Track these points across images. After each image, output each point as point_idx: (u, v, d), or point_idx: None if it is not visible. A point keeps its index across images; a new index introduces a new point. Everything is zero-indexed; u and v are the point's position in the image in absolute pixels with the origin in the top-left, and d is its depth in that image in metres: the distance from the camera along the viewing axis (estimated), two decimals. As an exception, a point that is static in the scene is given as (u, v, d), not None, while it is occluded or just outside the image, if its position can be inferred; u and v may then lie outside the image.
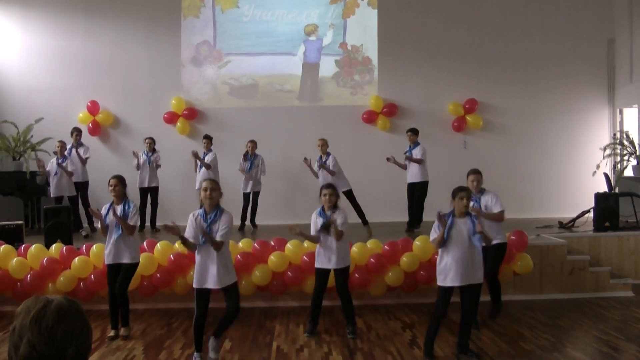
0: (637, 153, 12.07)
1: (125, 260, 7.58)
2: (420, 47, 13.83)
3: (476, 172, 8.00)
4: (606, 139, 13.45)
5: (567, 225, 11.29)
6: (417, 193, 11.44)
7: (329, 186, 7.64)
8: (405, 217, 11.80)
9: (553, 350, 6.99)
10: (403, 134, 13.48)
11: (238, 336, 7.67)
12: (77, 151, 12.00)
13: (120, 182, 7.65)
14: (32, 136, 12.56)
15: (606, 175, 12.11)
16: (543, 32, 13.85)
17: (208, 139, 12.19)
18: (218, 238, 6.34)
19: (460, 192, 6.56)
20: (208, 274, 6.38)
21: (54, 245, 9.10)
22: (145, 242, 9.23)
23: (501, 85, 13.81)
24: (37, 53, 13.70)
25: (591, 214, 11.10)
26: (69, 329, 1.92)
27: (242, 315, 7.73)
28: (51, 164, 11.55)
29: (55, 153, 11.61)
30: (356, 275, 8.77)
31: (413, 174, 11.47)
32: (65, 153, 11.71)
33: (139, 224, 8.06)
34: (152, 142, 12.24)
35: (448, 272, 6.51)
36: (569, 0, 13.96)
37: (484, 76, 13.78)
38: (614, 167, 12.79)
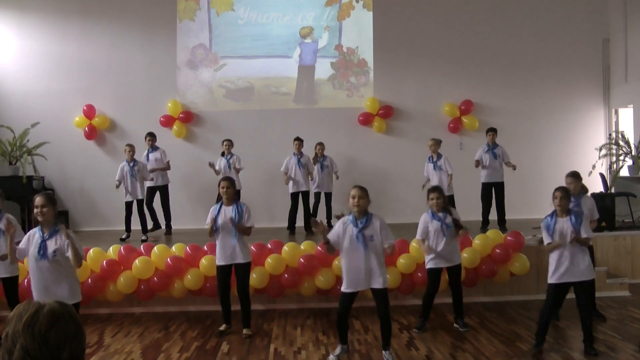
0: (633, 153, 12.10)
1: (240, 260, 7.66)
2: (416, 48, 13.85)
3: (572, 175, 8.24)
4: (602, 139, 13.48)
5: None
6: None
7: (436, 189, 7.80)
8: (402, 219, 11.82)
9: (550, 350, 7.00)
10: (399, 136, 13.57)
11: (236, 339, 7.67)
12: (149, 156, 11.99)
13: (231, 184, 7.72)
14: (28, 140, 12.57)
15: (602, 175, 12.14)
16: (538, 32, 13.88)
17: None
18: (387, 245, 6.51)
19: (554, 192, 6.91)
20: (371, 276, 6.43)
21: (50, 249, 9.09)
22: (142, 246, 9.25)
23: (497, 86, 13.84)
24: (33, 57, 13.70)
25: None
26: (62, 333, 1.93)
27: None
28: (121, 169, 11.26)
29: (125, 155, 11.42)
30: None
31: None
32: (136, 158, 11.47)
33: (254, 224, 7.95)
34: (230, 144, 12.11)
35: (552, 268, 6.85)
36: (563, 1, 14.00)
37: (479, 77, 13.80)
38: (610, 167, 12.81)
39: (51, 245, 6.06)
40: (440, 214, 7.62)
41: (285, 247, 9.03)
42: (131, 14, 13.79)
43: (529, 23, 13.89)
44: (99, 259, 8.82)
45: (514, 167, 11.42)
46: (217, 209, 7.68)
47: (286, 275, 8.83)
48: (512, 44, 13.88)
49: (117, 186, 11.23)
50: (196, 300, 9.24)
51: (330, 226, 11.70)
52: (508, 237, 9.31)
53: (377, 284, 6.44)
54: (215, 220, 7.61)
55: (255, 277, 8.75)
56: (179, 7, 13.89)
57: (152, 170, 11.72)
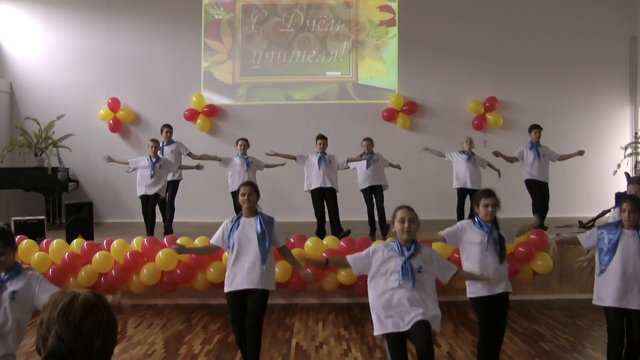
0: (659, 152, 11.98)
1: (258, 285, 5.90)
2: (441, 45, 13.79)
3: (636, 182, 6.86)
4: (627, 138, 13.36)
5: (587, 225, 11.22)
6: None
7: (491, 194, 5.89)
8: (424, 215, 11.73)
9: (573, 350, 6.96)
10: (423, 132, 13.50)
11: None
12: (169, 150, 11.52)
13: (254, 190, 6.11)
14: (53, 132, 12.70)
15: (627, 174, 12.03)
16: (565, 30, 13.76)
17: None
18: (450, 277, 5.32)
19: (622, 202, 5.66)
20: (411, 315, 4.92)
21: (75, 240, 9.20)
22: (165, 239, 9.30)
23: (522, 83, 13.75)
24: (59, 50, 13.83)
25: (612, 214, 11.00)
26: (95, 322, 1.95)
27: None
28: (136, 162, 10.78)
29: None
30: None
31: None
32: (159, 154, 10.95)
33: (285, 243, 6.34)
34: (245, 143, 11.14)
35: (610, 290, 5.60)
36: (591, -2, 13.89)
37: (504, 74, 13.72)
38: (635, 166, 12.70)
39: (12, 286, 4.42)
40: (489, 225, 5.85)
41: (308, 242, 9.03)
42: (157, 8, 13.88)
43: (555, 20, 13.77)
44: (122, 251, 8.89)
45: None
46: (233, 223, 6.08)
47: (308, 270, 8.81)
48: (538, 41, 13.77)
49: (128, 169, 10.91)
50: (218, 293, 9.22)
51: (385, 230, 10.50)
52: (531, 236, 9.24)
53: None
54: (229, 235, 6.05)
55: (277, 272, 8.71)
56: (204, 1, 13.94)
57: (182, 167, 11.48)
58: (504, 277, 5.87)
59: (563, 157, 11.16)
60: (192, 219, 12.60)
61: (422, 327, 4.82)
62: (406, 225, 5.12)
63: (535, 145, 10.99)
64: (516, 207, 11.17)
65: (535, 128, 11.03)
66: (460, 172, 11.13)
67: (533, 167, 10.94)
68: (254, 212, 6.09)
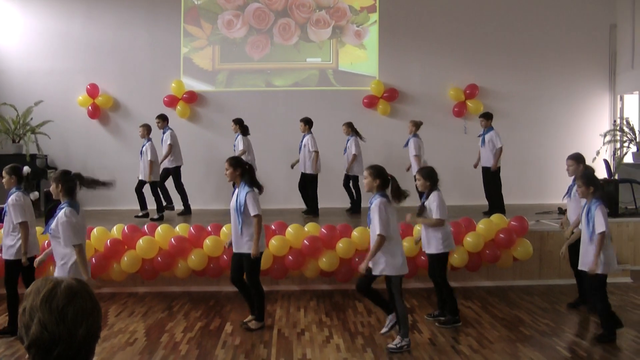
0: (637, 140, 12.07)
1: (245, 250, 7.07)
2: (422, 31, 13.77)
3: (572, 158, 8.44)
4: (606, 126, 13.45)
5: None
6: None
7: (419, 170, 7.82)
8: (406, 201, 11.80)
9: (552, 335, 7.02)
10: (403, 119, 13.49)
11: (239, 320, 7.67)
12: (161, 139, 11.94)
13: (230, 165, 7.13)
14: (31, 119, 12.56)
15: (606, 161, 12.11)
16: (545, 17, 13.79)
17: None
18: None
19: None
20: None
21: (54, 228, 9.10)
22: (145, 226, 9.25)
23: (502, 70, 13.77)
24: (37, 36, 13.63)
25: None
26: (79, 309, 1.92)
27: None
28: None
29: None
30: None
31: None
32: (150, 136, 11.61)
33: (258, 212, 7.00)
34: (233, 124, 12.04)
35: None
36: (570, -15, 13.92)
37: (485, 62, 13.74)
38: (614, 153, 12.79)
39: (52, 222, 6.05)
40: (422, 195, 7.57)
41: (289, 229, 9.02)
42: (136, -7, 13.74)
43: (535, 7, 13.79)
44: (102, 239, 8.83)
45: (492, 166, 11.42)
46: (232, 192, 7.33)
47: (290, 257, 8.83)
48: (519, 29, 13.79)
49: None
50: (199, 281, 9.26)
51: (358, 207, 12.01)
52: (512, 222, 9.31)
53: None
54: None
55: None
56: (183, -14, 13.82)
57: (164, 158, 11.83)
58: (428, 239, 7.35)
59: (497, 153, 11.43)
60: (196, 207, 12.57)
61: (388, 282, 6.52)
62: (363, 181, 6.62)
63: (483, 133, 11.58)
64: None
65: (481, 117, 11.74)
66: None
67: (480, 153, 11.66)
68: (238, 183, 7.13)
